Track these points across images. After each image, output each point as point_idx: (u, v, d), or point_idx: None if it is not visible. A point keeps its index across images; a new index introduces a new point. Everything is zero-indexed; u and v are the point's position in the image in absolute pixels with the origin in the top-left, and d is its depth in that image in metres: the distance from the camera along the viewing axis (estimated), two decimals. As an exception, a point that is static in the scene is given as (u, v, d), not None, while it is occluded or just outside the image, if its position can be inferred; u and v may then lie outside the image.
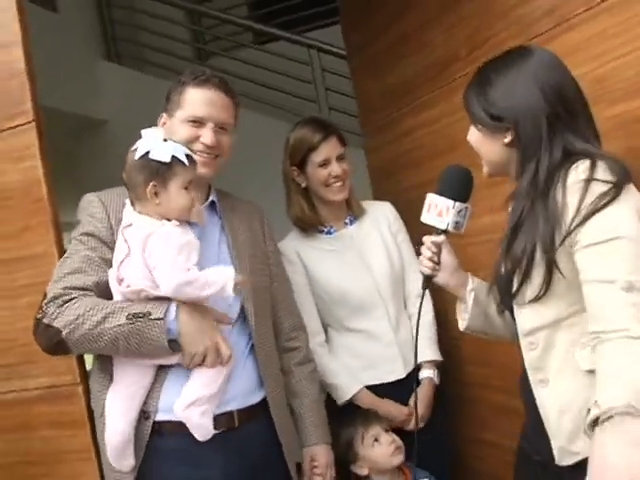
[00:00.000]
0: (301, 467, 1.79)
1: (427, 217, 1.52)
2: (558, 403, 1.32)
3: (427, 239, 1.54)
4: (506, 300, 1.40)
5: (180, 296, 1.50)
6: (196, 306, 1.53)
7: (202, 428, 1.53)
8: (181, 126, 1.66)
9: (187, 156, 1.55)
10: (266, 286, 1.79)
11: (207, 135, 1.65)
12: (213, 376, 1.54)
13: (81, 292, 1.52)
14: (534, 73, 1.34)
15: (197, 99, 1.66)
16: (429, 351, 2.14)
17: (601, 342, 1.16)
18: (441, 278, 1.55)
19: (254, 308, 1.69)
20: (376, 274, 2.13)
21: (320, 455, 1.80)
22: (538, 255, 1.28)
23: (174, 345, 1.49)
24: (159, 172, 1.52)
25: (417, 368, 2.08)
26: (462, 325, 1.58)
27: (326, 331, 2.16)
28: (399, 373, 2.11)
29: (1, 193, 1.83)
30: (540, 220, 1.28)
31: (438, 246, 1.53)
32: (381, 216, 2.23)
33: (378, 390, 2.09)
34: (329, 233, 2.18)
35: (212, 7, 5.32)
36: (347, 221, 2.20)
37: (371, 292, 2.12)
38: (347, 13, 2.77)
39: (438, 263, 1.54)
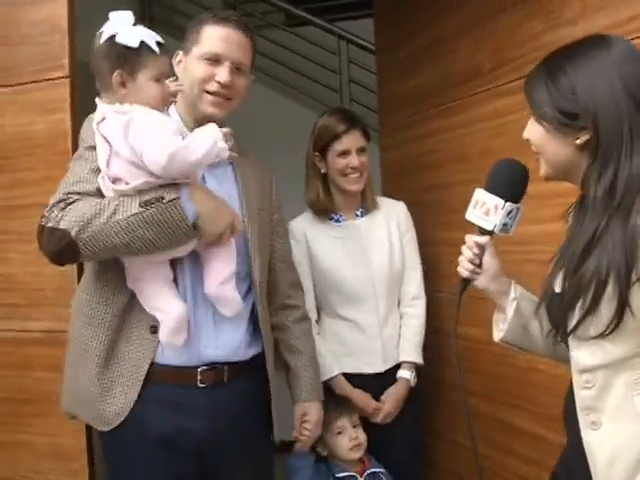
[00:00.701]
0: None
1: (472, 215, 1.36)
2: (610, 450, 1.18)
3: (469, 238, 1.38)
4: (561, 329, 1.22)
5: (176, 168, 1.41)
6: (206, 187, 1.52)
7: (235, 302, 1.56)
8: (197, 63, 1.61)
9: (159, 44, 1.44)
10: (268, 240, 1.77)
11: (223, 73, 1.60)
12: (228, 254, 1.54)
13: (83, 195, 1.46)
14: (618, 65, 1.16)
15: (215, 36, 1.61)
16: (411, 353, 2.20)
17: None
18: (481, 282, 1.38)
19: (260, 259, 1.67)
20: (374, 268, 2.19)
21: (312, 412, 1.82)
22: (611, 285, 1.12)
23: (194, 226, 1.45)
24: (126, 59, 1.40)
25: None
26: (497, 336, 1.41)
27: (319, 313, 2.23)
28: (377, 367, 2.17)
29: (29, 141, 1.90)
30: (617, 244, 1.12)
31: (481, 247, 1.36)
32: (393, 214, 2.28)
33: (355, 379, 2.15)
34: (338, 221, 2.23)
35: (248, -17, 5.33)
36: (358, 212, 2.26)
37: (365, 285, 2.17)
38: (381, 13, 2.82)
39: (479, 266, 1.37)
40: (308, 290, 2.14)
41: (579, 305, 1.15)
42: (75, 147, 1.86)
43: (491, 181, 1.35)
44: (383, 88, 2.84)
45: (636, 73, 1.16)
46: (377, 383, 2.16)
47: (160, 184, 1.42)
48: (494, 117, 2.06)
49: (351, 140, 2.16)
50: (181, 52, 1.67)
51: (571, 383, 1.31)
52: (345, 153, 2.15)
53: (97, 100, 1.48)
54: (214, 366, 1.59)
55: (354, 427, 2.05)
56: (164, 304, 1.50)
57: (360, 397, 2.13)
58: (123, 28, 1.39)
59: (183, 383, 1.56)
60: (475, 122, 2.17)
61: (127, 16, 1.41)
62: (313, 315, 2.18)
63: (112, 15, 1.42)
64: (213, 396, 1.58)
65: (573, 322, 1.17)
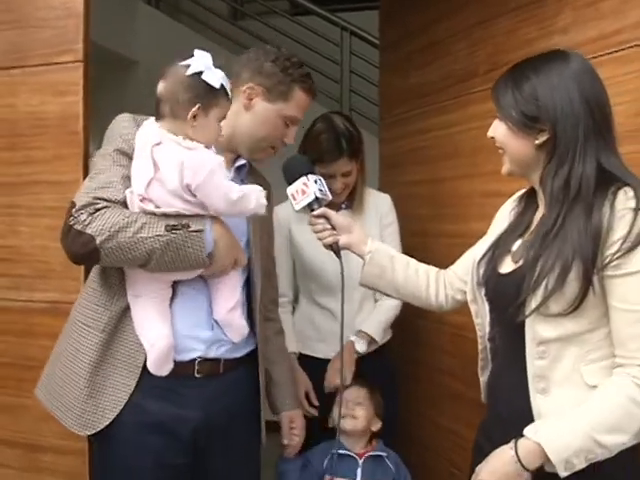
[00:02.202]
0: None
1: (299, 204, 1.65)
2: (558, 412, 1.32)
3: (311, 219, 1.67)
4: (525, 305, 1.35)
5: (234, 213, 1.55)
6: (223, 222, 1.58)
7: (242, 328, 1.65)
8: (276, 118, 1.70)
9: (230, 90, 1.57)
10: (268, 253, 1.87)
11: (292, 137, 1.74)
12: (235, 282, 1.65)
13: (111, 204, 1.50)
14: (576, 77, 1.34)
15: (303, 104, 1.73)
16: (371, 326, 2.26)
17: (618, 366, 1.29)
18: (343, 239, 1.66)
19: (260, 267, 1.77)
20: (350, 260, 2.17)
21: (297, 419, 1.93)
22: (575, 268, 1.28)
23: (207, 257, 1.53)
24: (206, 96, 1.50)
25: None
26: (359, 279, 1.73)
27: (298, 297, 2.36)
28: None
29: (41, 121, 1.97)
30: (582, 233, 1.28)
31: (322, 216, 1.65)
32: (374, 207, 2.32)
33: (323, 364, 2.23)
34: None
35: (254, -31, 5.37)
36: (343, 205, 2.29)
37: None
38: (386, 12, 2.90)
39: (334, 228, 1.66)
40: (288, 273, 2.25)
41: (544, 284, 1.30)
42: (86, 128, 1.95)
43: (288, 176, 1.67)
44: (385, 84, 2.92)
45: (591, 85, 1.35)
46: None
47: (186, 214, 1.50)
48: (487, 117, 2.14)
49: (336, 167, 2.18)
50: (255, 87, 1.70)
51: (497, 363, 1.51)
52: (329, 176, 2.16)
53: (153, 121, 1.55)
54: (212, 358, 1.64)
55: (357, 404, 2.11)
56: (151, 334, 1.56)
57: (301, 378, 2.21)
58: (208, 68, 1.51)
59: (180, 374, 1.61)
60: (469, 121, 2.26)
61: (208, 56, 1.53)
62: (284, 298, 2.27)
63: (196, 52, 1.52)
64: (209, 386, 1.64)
65: (538, 300, 1.32)
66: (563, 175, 1.33)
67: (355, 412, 2.11)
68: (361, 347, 2.25)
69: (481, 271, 1.53)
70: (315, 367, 2.26)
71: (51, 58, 1.95)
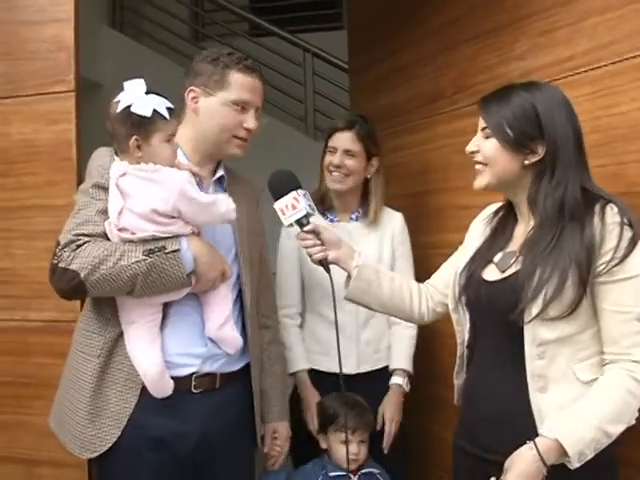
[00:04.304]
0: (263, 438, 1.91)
1: (288, 219, 1.62)
2: (555, 410, 1.41)
3: (300, 235, 1.63)
4: (524, 311, 1.43)
5: (207, 219, 1.61)
6: (201, 238, 1.62)
7: (236, 340, 1.69)
8: (224, 108, 1.70)
9: (168, 109, 1.57)
10: (258, 261, 1.87)
11: (251, 121, 1.71)
12: (224, 297, 1.68)
13: (92, 238, 1.57)
14: (562, 103, 1.44)
15: (244, 85, 1.70)
16: (403, 361, 2.26)
17: (611, 362, 1.41)
18: (332, 255, 1.64)
19: (250, 278, 1.78)
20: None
21: (282, 430, 1.93)
22: (571, 276, 1.39)
23: (189, 276, 1.57)
24: (141, 126, 1.54)
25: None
26: (345, 294, 1.71)
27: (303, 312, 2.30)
28: (350, 368, 2.17)
29: (34, 148, 2.06)
30: (577, 245, 1.39)
31: (312, 232, 1.63)
32: (389, 223, 2.30)
33: (327, 378, 2.19)
34: (332, 221, 2.28)
35: (215, -8, 5.47)
36: (353, 216, 2.29)
37: None
38: (355, 38, 3.04)
39: (323, 244, 1.64)
40: (293, 285, 2.24)
41: (543, 293, 1.40)
42: (79, 155, 2.05)
43: (276, 190, 1.63)
44: (355, 106, 3.05)
45: (574, 113, 1.47)
46: (345, 383, 2.13)
47: (162, 237, 1.56)
48: (455, 136, 2.28)
49: (340, 140, 2.21)
50: (197, 89, 1.73)
51: (479, 367, 1.59)
52: (332, 151, 2.21)
53: (116, 157, 1.62)
54: (208, 372, 1.68)
55: (359, 442, 2.07)
56: (142, 362, 1.60)
57: (309, 399, 2.19)
58: (137, 99, 1.55)
59: (178, 389, 1.64)
60: (438, 139, 2.40)
61: (140, 85, 1.57)
62: (293, 308, 2.26)
63: (126, 85, 1.57)
64: (206, 401, 1.67)
65: (539, 306, 1.41)
66: (558, 196, 1.43)
67: (359, 455, 2.07)
68: (406, 385, 2.25)
69: (462, 282, 1.61)
70: (319, 381, 2.23)
71: (44, 88, 2.05)
